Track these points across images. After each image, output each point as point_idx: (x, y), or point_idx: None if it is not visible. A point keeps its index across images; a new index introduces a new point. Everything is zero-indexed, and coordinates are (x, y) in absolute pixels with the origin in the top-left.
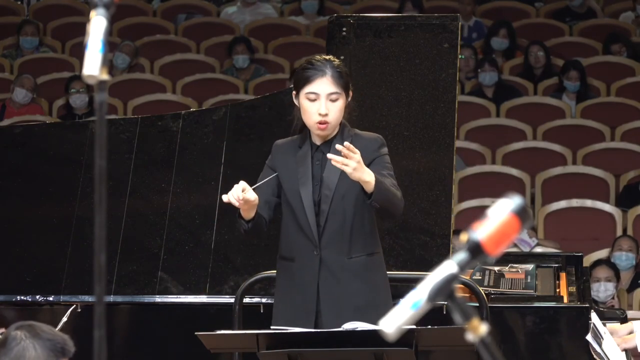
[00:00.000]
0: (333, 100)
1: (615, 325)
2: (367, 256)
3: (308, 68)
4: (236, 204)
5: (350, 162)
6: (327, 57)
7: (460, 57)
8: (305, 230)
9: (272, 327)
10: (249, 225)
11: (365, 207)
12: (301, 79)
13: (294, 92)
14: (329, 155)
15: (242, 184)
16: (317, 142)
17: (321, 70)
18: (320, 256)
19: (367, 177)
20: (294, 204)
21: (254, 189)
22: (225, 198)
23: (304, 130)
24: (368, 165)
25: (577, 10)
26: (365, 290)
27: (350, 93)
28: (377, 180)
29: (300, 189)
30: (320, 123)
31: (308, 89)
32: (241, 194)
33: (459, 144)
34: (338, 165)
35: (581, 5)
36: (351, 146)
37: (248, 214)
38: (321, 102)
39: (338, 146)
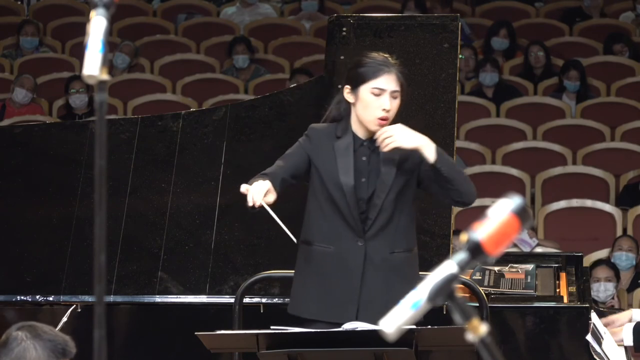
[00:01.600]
0: (394, 98)
1: (615, 316)
2: (407, 252)
3: (373, 64)
4: (250, 203)
5: (390, 137)
6: (387, 55)
7: (460, 57)
8: (349, 219)
9: (293, 313)
10: (252, 211)
11: (411, 204)
12: (366, 73)
13: (347, 87)
14: (381, 141)
15: (267, 185)
16: (362, 136)
17: (387, 66)
18: (365, 247)
19: (420, 141)
20: (334, 193)
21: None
22: (244, 189)
23: (342, 121)
24: (419, 165)
25: (587, 12)
26: (403, 286)
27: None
28: (437, 147)
29: (342, 179)
30: (381, 119)
31: (374, 83)
32: (262, 202)
33: (459, 144)
34: (390, 147)
35: (595, 7)
36: (381, 133)
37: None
38: (385, 97)
39: (378, 141)
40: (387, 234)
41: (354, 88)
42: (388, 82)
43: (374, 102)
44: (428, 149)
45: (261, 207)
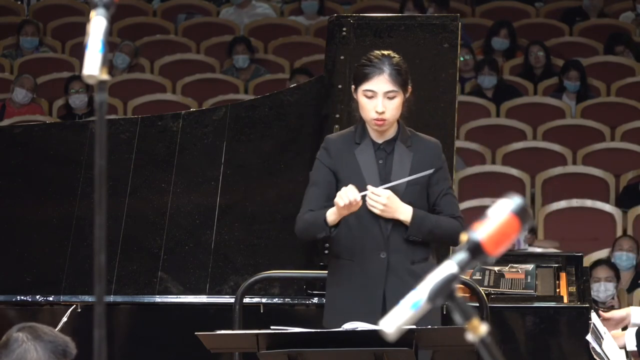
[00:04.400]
0: (390, 98)
1: (610, 314)
2: (425, 262)
3: (367, 65)
4: (347, 205)
5: (376, 205)
6: (387, 53)
7: (460, 58)
8: (372, 231)
9: (324, 325)
10: (332, 232)
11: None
12: (359, 76)
13: (352, 87)
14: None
15: (351, 187)
16: (378, 140)
17: (379, 68)
18: (387, 259)
19: (402, 216)
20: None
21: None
22: (341, 203)
23: (359, 125)
24: (434, 174)
25: (587, 12)
26: None
27: (409, 88)
28: (414, 217)
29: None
30: (377, 120)
31: (365, 86)
32: (359, 196)
33: (459, 144)
34: (375, 210)
35: (594, 7)
36: (375, 191)
37: (335, 220)
38: (378, 100)
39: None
40: (408, 245)
41: (355, 90)
42: (379, 83)
43: (367, 104)
44: (405, 222)
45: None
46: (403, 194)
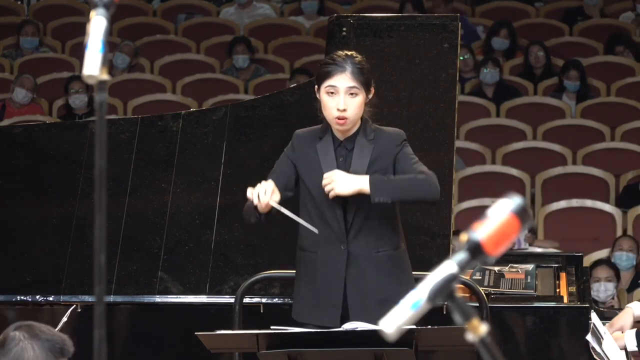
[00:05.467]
0: (352, 95)
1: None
2: (394, 250)
3: (329, 63)
4: (255, 203)
5: (327, 187)
6: (349, 53)
7: (460, 57)
8: (332, 224)
9: (293, 317)
10: (261, 219)
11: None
12: (321, 74)
13: (315, 87)
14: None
15: (271, 185)
16: (340, 137)
17: (341, 66)
18: (347, 250)
19: (356, 185)
20: (317, 197)
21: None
22: (249, 193)
23: (323, 122)
24: (393, 161)
25: (587, 12)
26: (391, 284)
27: (372, 90)
28: (372, 180)
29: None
30: (338, 118)
31: (327, 82)
32: (270, 200)
33: (459, 144)
34: (331, 195)
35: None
36: (324, 181)
37: (264, 210)
38: (340, 97)
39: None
40: (370, 234)
41: (318, 89)
42: (341, 80)
43: (329, 101)
44: (366, 189)
45: (269, 206)
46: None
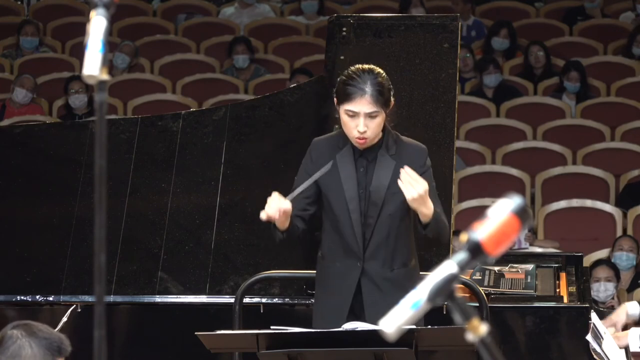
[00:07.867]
0: (372, 118)
1: (613, 316)
2: (406, 267)
3: (349, 84)
4: (276, 216)
5: (416, 189)
6: (369, 68)
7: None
8: (349, 240)
9: (313, 324)
10: (283, 236)
11: (408, 220)
12: (341, 95)
13: (335, 100)
14: (404, 171)
15: (277, 195)
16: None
17: (361, 89)
18: (362, 267)
19: (427, 210)
20: (338, 212)
21: (290, 199)
22: (263, 215)
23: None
24: None
25: (590, 12)
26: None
27: (392, 103)
28: (435, 213)
29: (348, 200)
30: (359, 138)
31: (347, 106)
32: (281, 206)
33: (459, 144)
34: (402, 185)
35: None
36: (417, 177)
37: (283, 224)
38: (360, 120)
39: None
40: (386, 253)
41: (337, 105)
42: (361, 105)
43: (349, 122)
44: (424, 217)
45: (286, 215)
46: (384, 202)
